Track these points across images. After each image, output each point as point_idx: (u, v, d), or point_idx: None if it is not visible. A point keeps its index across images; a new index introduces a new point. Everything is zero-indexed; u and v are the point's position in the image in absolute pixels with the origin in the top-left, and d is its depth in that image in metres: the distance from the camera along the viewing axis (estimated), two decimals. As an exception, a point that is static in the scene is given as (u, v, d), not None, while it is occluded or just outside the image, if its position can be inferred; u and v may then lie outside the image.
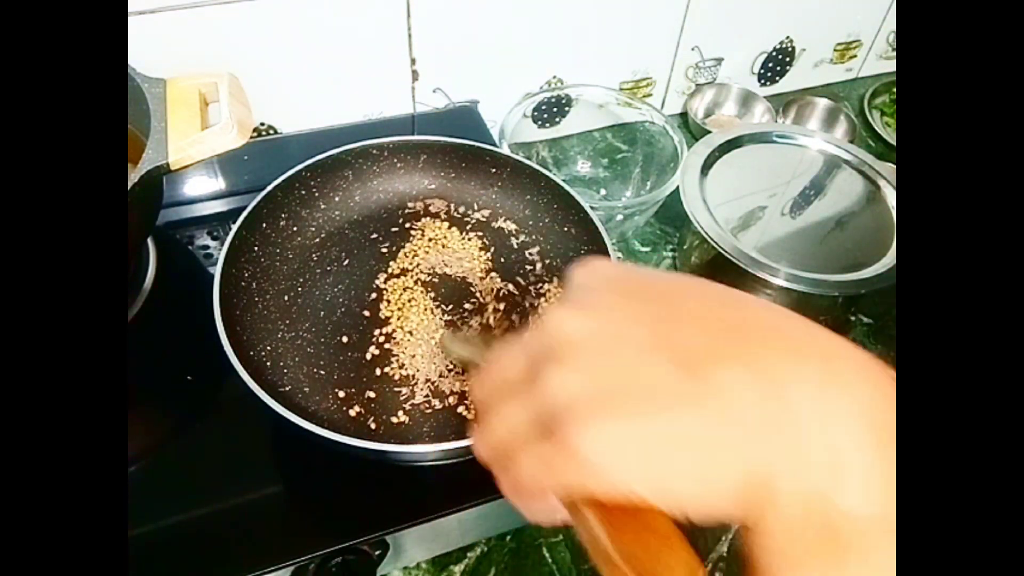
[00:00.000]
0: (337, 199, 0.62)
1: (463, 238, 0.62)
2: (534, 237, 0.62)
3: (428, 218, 0.63)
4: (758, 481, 0.21)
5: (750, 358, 0.22)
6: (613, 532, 0.23)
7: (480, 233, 0.62)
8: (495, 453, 0.25)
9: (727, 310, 0.24)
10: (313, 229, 0.61)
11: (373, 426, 0.49)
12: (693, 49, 0.84)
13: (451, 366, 0.52)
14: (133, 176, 0.43)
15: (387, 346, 0.54)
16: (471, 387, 0.27)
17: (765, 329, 0.23)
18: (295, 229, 0.60)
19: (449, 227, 0.62)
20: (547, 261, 0.61)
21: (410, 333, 0.54)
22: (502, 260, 0.61)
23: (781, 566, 0.21)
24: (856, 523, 0.20)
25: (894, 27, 0.94)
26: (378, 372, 0.52)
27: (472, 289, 0.58)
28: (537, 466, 0.23)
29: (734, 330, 0.23)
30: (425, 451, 0.45)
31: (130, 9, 0.58)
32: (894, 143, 0.90)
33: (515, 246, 0.62)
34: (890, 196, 0.67)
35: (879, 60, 0.99)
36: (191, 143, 0.46)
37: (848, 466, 0.20)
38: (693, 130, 0.86)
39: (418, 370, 0.52)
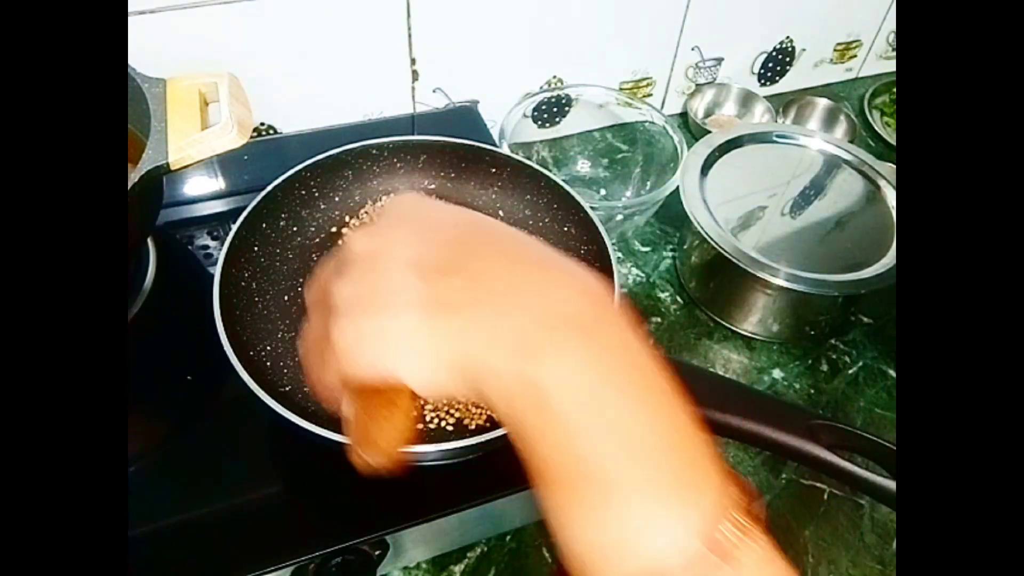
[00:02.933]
0: (337, 199, 0.62)
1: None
2: (534, 237, 0.62)
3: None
4: (470, 363, 0.26)
5: (475, 270, 0.27)
6: (360, 407, 0.30)
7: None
8: (303, 350, 0.32)
9: (477, 236, 0.29)
10: (313, 229, 0.61)
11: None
12: (693, 49, 0.84)
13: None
14: (133, 176, 0.43)
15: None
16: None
17: (499, 250, 0.28)
18: (295, 229, 0.59)
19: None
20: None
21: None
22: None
23: (509, 426, 0.26)
24: (553, 386, 0.25)
25: (894, 27, 0.94)
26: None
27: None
28: (320, 363, 0.30)
29: (473, 251, 0.28)
30: (425, 451, 0.45)
31: (130, 9, 0.58)
32: (894, 143, 0.90)
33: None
34: (890, 196, 0.67)
35: (879, 60, 0.99)
36: (191, 143, 0.46)
37: (541, 347, 0.25)
38: (693, 130, 0.86)
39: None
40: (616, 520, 0.25)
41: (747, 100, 0.90)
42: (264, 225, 0.57)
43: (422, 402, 0.31)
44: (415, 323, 0.26)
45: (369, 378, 0.28)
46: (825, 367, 0.67)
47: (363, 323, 0.27)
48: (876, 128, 0.91)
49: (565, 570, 0.27)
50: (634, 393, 0.26)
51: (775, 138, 0.72)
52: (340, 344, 0.28)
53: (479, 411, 0.50)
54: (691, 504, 0.25)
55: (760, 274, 0.60)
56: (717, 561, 0.24)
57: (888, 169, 0.69)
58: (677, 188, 0.66)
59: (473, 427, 0.49)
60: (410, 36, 0.70)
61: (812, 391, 0.65)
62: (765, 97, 0.89)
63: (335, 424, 0.48)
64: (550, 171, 0.61)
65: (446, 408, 0.50)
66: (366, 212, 0.62)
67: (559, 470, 0.26)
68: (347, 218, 0.62)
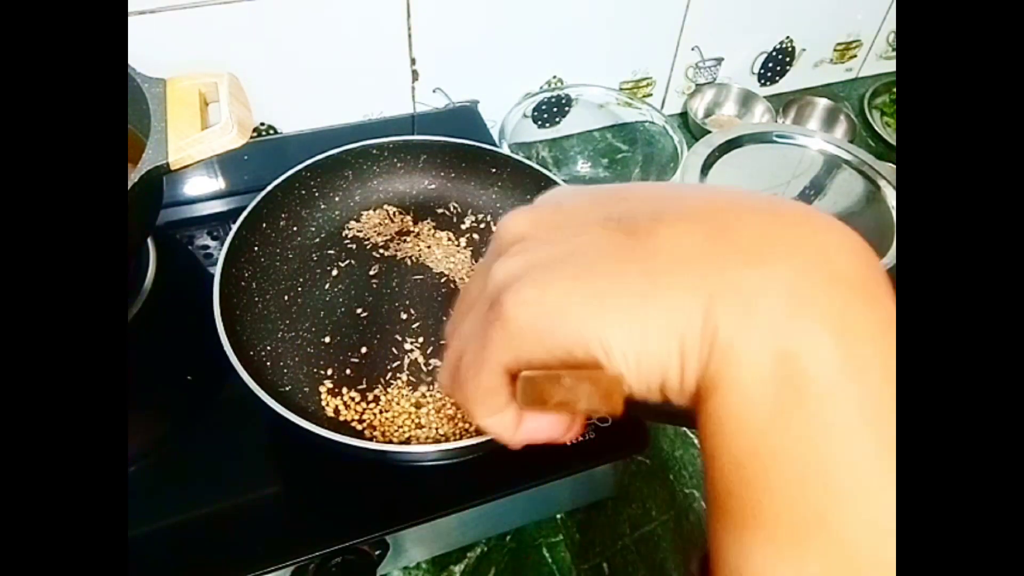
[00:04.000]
0: (337, 199, 0.62)
1: (463, 238, 0.62)
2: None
3: (428, 219, 0.63)
4: (713, 333, 0.19)
5: (704, 218, 0.20)
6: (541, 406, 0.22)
7: (479, 234, 0.62)
8: (449, 372, 0.24)
9: (684, 189, 0.23)
10: (313, 229, 0.61)
11: (374, 426, 0.49)
12: (693, 49, 0.84)
13: None
14: (133, 176, 0.43)
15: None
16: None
17: (726, 198, 0.21)
18: (295, 229, 0.60)
19: (449, 228, 0.62)
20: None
21: (410, 333, 0.54)
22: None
23: (744, 428, 0.19)
24: (819, 374, 0.18)
25: (894, 27, 0.94)
26: (379, 372, 0.52)
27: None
28: (476, 351, 0.22)
29: (690, 200, 0.21)
30: (425, 451, 0.45)
31: (130, 9, 0.58)
32: (894, 143, 0.90)
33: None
34: (890, 196, 0.67)
35: (879, 60, 0.98)
36: (191, 143, 0.46)
37: (814, 308, 0.18)
38: (693, 130, 0.86)
39: (418, 370, 0.52)
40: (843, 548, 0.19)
41: (747, 100, 0.90)
42: (264, 225, 0.57)
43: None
44: (634, 280, 0.19)
45: (556, 355, 0.20)
46: (825, 367, 0.67)
47: (554, 282, 0.20)
48: (876, 128, 0.91)
49: None
50: (889, 374, 0.20)
51: (775, 138, 0.72)
52: (513, 316, 0.20)
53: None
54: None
55: (760, 274, 0.60)
56: None
57: (888, 169, 0.69)
58: (677, 188, 0.66)
59: (473, 428, 0.49)
60: (410, 36, 0.70)
61: (812, 391, 0.65)
62: (765, 97, 0.89)
63: (335, 424, 0.49)
64: (550, 171, 0.61)
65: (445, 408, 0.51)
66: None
67: (791, 477, 0.19)
68: (348, 219, 0.62)
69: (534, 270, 0.21)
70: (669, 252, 0.19)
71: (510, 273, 0.21)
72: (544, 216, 0.22)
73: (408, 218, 0.63)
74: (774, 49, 0.90)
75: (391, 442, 0.48)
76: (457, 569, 0.52)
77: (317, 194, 0.61)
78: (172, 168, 0.45)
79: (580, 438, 0.23)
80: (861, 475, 0.18)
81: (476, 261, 0.60)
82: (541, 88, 0.80)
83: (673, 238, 0.20)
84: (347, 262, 0.59)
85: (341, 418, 0.49)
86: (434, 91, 0.75)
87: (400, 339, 0.54)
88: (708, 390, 0.19)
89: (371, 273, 0.58)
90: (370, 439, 0.48)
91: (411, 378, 0.52)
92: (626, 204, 0.21)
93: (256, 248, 0.56)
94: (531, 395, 0.21)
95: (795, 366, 0.18)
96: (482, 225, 0.63)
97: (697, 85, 0.89)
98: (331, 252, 0.60)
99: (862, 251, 0.20)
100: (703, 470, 0.20)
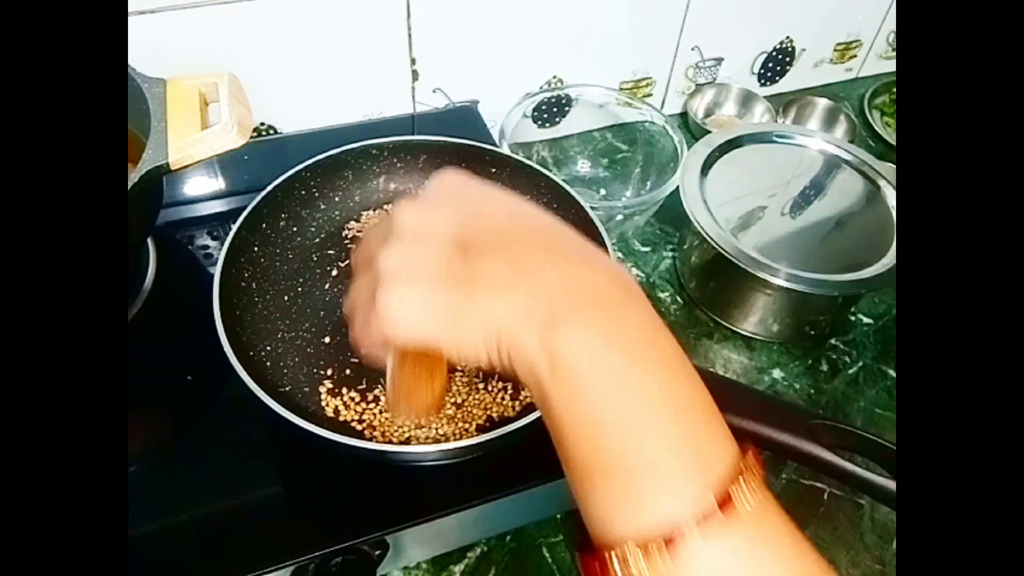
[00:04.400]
0: (337, 199, 0.62)
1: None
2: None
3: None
4: (503, 336, 0.28)
5: (514, 255, 0.30)
6: (400, 367, 0.35)
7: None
8: (350, 312, 0.34)
9: (517, 222, 0.32)
10: (313, 229, 0.61)
11: (374, 426, 0.49)
12: (693, 49, 0.84)
13: (451, 367, 0.52)
14: (133, 176, 0.43)
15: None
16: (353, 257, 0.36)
17: (536, 238, 0.31)
18: (295, 229, 0.59)
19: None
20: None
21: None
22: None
23: (533, 394, 0.29)
24: (573, 356, 0.27)
25: (894, 27, 0.94)
26: (378, 372, 0.52)
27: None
28: (364, 322, 0.33)
29: (512, 237, 0.30)
30: (425, 451, 0.45)
31: (130, 9, 0.58)
32: (894, 143, 0.90)
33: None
34: (890, 196, 0.67)
35: (879, 60, 0.99)
36: (191, 143, 0.46)
37: (566, 321, 0.27)
38: (693, 130, 0.86)
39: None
40: (635, 478, 0.26)
41: (747, 100, 0.90)
42: (264, 225, 0.57)
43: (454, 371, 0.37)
44: (458, 297, 0.29)
45: (410, 342, 0.31)
46: (825, 367, 0.67)
47: (408, 292, 0.30)
48: (876, 128, 0.91)
49: (584, 544, 0.28)
50: (649, 362, 0.28)
51: (775, 138, 0.72)
52: (385, 309, 0.30)
53: (479, 412, 0.50)
54: (706, 466, 0.26)
55: (760, 274, 0.60)
56: (728, 519, 0.25)
57: (888, 169, 0.69)
58: (677, 188, 0.66)
59: (473, 428, 0.49)
60: (410, 36, 0.70)
61: (812, 391, 0.65)
62: (765, 97, 0.89)
63: (335, 424, 0.49)
64: (550, 171, 0.61)
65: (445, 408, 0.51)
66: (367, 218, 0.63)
67: (576, 434, 0.27)
68: (348, 219, 0.62)
69: (401, 273, 0.30)
70: (482, 278, 0.29)
71: (387, 267, 0.30)
72: (422, 220, 0.31)
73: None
74: (774, 49, 0.90)
75: (391, 442, 0.48)
76: (457, 569, 0.52)
77: (317, 194, 0.61)
78: (172, 168, 0.45)
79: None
80: (618, 420, 0.27)
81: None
82: (541, 88, 0.80)
83: (487, 267, 0.29)
84: (347, 262, 0.59)
85: (341, 418, 0.49)
86: (434, 91, 0.75)
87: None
88: (512, 371, 0.29)
89: (371, 273, 0.58)
90: (370, 439, 0.48)
91: (411, 378, 0.52)
92: (476, 230, 0.30)
93: (256, 248, 0.56)
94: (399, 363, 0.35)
95: (558, 360, 0.27)
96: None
97: (697, 85, 0.89)
98: (331, 252, 0.60)
99: (609, 276, 0.30)
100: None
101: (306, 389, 0.51)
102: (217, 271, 0.50)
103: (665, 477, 0.26)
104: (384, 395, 0.51)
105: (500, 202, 0.33)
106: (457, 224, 0.31)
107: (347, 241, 0.61)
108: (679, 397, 0.28)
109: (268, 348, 0.52)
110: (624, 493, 0.26)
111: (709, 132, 0.74)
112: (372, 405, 0.50)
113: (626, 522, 0.26)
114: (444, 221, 0.31)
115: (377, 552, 0.46)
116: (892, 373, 0.66)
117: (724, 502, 0.25)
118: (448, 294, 0.29)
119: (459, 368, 0.52)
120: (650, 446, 0.26)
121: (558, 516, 0.55)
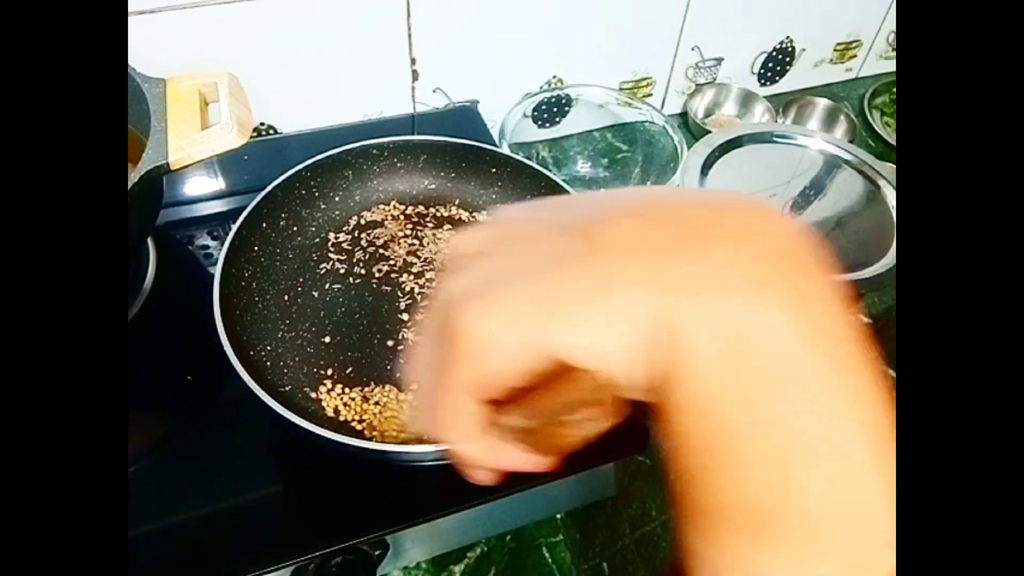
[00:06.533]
0: (337, 199, 0.62)
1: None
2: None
3: (428, 219, 0.63)
4: (671, 322, 0.18)
5: (651, 214, 0.20)
6: (530, 417, 0.22)
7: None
8: (419, 408, 0.23)
9: (625, 196, 0.23)
10: (313, 229, 0.61)
11: (374, 426, 0.49)
12: (693, 49, 0.84)
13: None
14: (133, 176, 0.43)
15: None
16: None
17: (667, 197, 0.22)
18: (295, 229, 0.59)
19: (449, 228, 0.62)
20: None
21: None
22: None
23: (703, 417, 0.19)
24: (773, 353, 0.18)
25: (894, 27, 0.94)
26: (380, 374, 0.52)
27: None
28: (436, 375, 0.21)
29: (636, 202, 0.22)
30: (425, 451, 0.45)
31: (130, 9, 0.58)
32: (894, 143, 0.90)
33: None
34: (890, 196, 0.67)
35: (879, 60, 0.98)
36: (191, 143, 0.46)
37: (759, 302, 0.18)
38: (693, 130, 0.86)
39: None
40: (825, 533, 0.19)
41: (747, 100, 0.90)
42: (264, 225, 0.57)
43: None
44: (590, 276, 0.19)
45: (524, 366, 0.20)
46: (825, 367, 0.67)
47: (507, 291, 0.20)
48: (876, 128, 0.90)
49: None
50: (852, 372, 0.20)
51: (775, 138, 0.72)
52: (476, 331, 0.20)
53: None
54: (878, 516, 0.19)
55: (760, 274, 0.60)
56: None
57: (888, 169, 0.69)
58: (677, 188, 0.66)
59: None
60: (410, 36, 0.70)
61: (812, 391, 0.65)
62: (765, 97, 0.89)
63: (335, 424, 0.49)
64: (550, 171, 0.61)
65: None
66: (354, 225, 0.63)
67: (753, 460, 0.18)
68: (347, 219, 0.62)
69: (486, 283, 0.20)
70: (615, 248, 0.19)
71: (461, 288, 0.20)
72: (493, 233, 0.22)
73: (408, 218, 0.63)
74: (774, 49, 0.90)
75: (391, 442, 0.48)
76: (457, 569, 0.52)
77: (317, 194, 0.61)
78: (172, 168, 0.45)
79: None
80: (823, 447, 0.18)
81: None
82: (541, 88, 0.80)
83: (619, 234, 0.20)
84: (346, 261, 0.59)
85: (341, 418, 0.49)
86: (434, 91, 0.75)
87: (400, 339, 0.54)
88: (667, 383, 0.19)
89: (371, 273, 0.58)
90: (370, 439, 0.48)
91: (411, 378, 0.52)
92: (570, 212, 0.22)
93: (256, 248, 0.56)
94: (534, 440, 0.22)
95: (748, 347, 0.18)
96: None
97: (697, 85, 0.89)
98: (331, 252, 0.60)
99: (799, 232, 0.20)
100: (667, 471, 0.20)
101: (306, 389, 0.51)
102: (217, 271, 0.50)
103: (860, 532, 0.19)
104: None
105: (586, 195, 0.25)
106: (548, 215, 0.22)
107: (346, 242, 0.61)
108: (877, 420, 0.20)
109: (268, 348, 0.52)
110: (804, 554, 0.18)
111: (709, 132, 0.74)
112: (372, 405, 0.50)
113: None
114: (529, 219, 0.22)
115: (377, 552, 0.46)
116: (892, 373, 0.66)
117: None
118: (575, 277, 0.19)
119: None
120: (844, 488, 0.19)
121: (558, 516, 0.55)
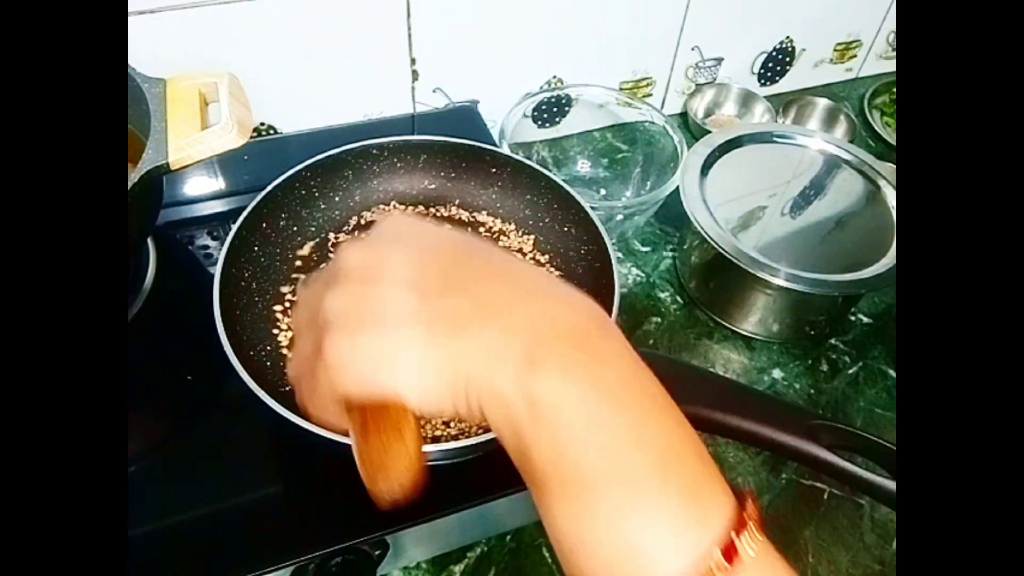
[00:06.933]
0: (337, 199, 0.62)
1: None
2: (534, 237, 0.62)
3: (428, 219, 0.63)
4: (472, 380, 0.26)
5: (476, 292, 0.27)
6: (362, 433, 0.29)
7: (479, 233, 0.62)
8: (294, 373, 0.31)
9: (475, 258, 0.29)
10: (313, 229, 0.61)
11: (373, 426, 0.49)
12: (693, 49, 0.84)
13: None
14: (133, 176, 0.43)
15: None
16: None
17: (497, 272, 0.29)
18: (295, 229, 0.59)
19: (448, 227, 0.62)
20: (546, 261, 0.61)
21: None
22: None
23: (508, 442, 0.26)
24: (554, 400, 0.25)
25: (894, 27, 0.94)
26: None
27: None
28: (311, 383, 0.29)
29: (472, 273, 0.28)
30: (425, 451, 0.45)
31: (130, 9, 0.58)
32: (894, 143, 0.90)
33: (514, 246, 0.62)
34: (890, 196, 0.67)
35: (879, 60, 0.99)
36: (191, 143, 0.46)
37: (543, 361, 0.25)
38: (693, 130, 0.86)
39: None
40: (635, 537, 0.24)
41: (747, 100, 0.90)
42: (264, 225, 0.57)
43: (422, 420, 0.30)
44: (417, 340, 0.26)
45: (366, 395, 0.27)
46: (825, 367, 0.67)
47: (361, 337, 0.27)
48: (876, 128, 0.91)
49: None
50: (638, 408, 0.26)
51: (775, 138, 0.72)
52: (335, 359, 0.27)
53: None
54: (706, 517, 0.24)
55: (760, 274, 0.60)
56: (735, 570, 0.23)
57: (888, 169, 0.69)
58: (677, 188, 0.66)
59: (473, 428, 0.49)
60: (410, 36, 0.70)
61: (812, 391, 0.65)
62: (765, 97, 0.89)
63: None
64: (550, 171, 0.61)
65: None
66: (354, 225, 0.63)
67: (560, 484, 0.25)
68: (347, 219, 0.62)
69: (349, 318, 0.27)
70: (444, 318, 0.26)
71: (333, 312, 0.27)
72: (369, 261, 0.28)
73: (408, 218, 0.63)
74: (774, 49, 0.90)
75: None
76: (457, 569, 0.52)
77: (317, 194, 0.61)
78: (172, 168, 0.45)
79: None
80: (610, 473, 0.25)
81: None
82: (541, 88, 0.80)
83: (449, 306, 0.27)
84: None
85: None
86: (434, 91, 0.75)
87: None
88: (473, 418, 0.27)
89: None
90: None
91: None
92: (430, 270, 0.28)
93: (256, 248, 0.56)
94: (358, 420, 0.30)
95: (539, 406, 0.25)
96: (482, 225, 0.63)
97: (697, 85, 0.89)
98: (331, 252, 0.60)
99: (584, 312, 0.27)
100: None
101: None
102: (217, 271, 0.50)
103: (667, 534, 0.24)
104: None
105: (454, 239, 0.31)
106: (410, 263, 0.28)
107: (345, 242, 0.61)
108: (672, 445, 0.25)
109: (268, 348, 0.52)
110: (624, 555, 0.24)
111: (709, 132, 0.74)
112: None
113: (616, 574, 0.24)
114: (396, 260, 0.28)
115: (377, 552, 0.46)
116: (892, 373, 0.66)
117: (728, 553, 0.23)
118: (409, 337, 0.26)
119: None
120: (647, 501, 0.24)
121: (558, 516, 0.55)
